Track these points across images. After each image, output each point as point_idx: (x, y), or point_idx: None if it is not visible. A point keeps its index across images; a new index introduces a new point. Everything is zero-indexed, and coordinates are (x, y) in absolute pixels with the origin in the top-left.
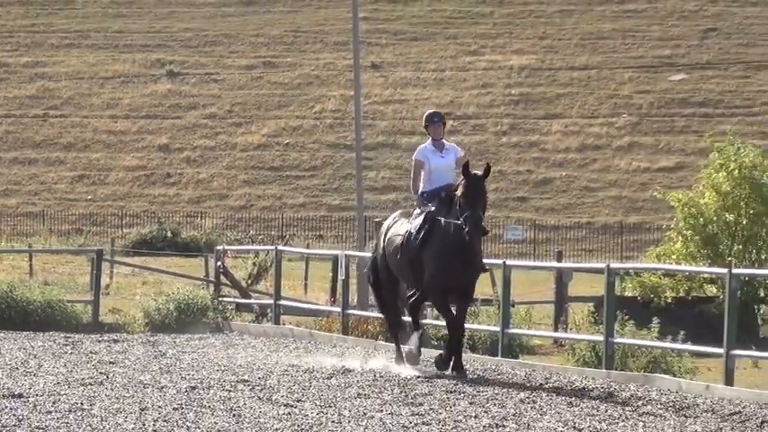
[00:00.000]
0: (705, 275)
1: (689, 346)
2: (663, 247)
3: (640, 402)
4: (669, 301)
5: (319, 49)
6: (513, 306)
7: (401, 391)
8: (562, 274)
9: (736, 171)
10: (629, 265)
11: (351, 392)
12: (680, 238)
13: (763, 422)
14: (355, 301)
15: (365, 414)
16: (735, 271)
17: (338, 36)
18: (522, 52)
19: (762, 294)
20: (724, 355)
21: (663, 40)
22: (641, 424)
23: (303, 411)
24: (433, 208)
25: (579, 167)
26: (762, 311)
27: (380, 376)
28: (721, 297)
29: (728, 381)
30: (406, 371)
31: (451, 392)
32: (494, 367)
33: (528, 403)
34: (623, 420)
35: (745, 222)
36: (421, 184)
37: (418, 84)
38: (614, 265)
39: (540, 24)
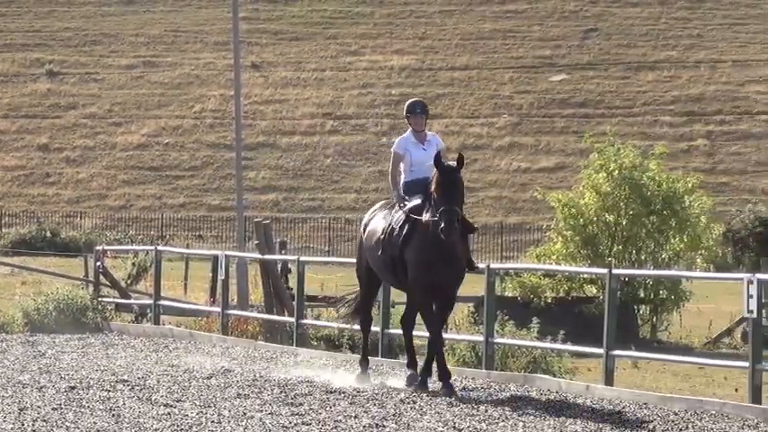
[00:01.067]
0: (585, 276)
1: (569, 347)
2: (543, 247)
3: (520, 403)
4: (549, 301)
5: (199, 48)
6: (393, 306)
7: (281, 392)
8: None
9: (616, 172)
10: (508, 265)
11: (230, 392)
12: (560, 238)
13: (642, 422)
14: (235, 301)
15: (245, 414)
16: (614, 271)
17: (218, 36)
18: (403, 52)
19: (641, 295)
20: (604, 355)
21: (543, 40)
22: (521, 424)
23: (183, 411)
24: (418, 201)
25: None
26: (641, 312)
27: (260, 376)
28: (601, 297)
29: (608, 381)
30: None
31: (331, 393)
32: (374, 367)
33: (408, 403)
34: (503, 420)
35: (624, 223)
36: (402, 177)
37: (298, 84)
38: (494, 265)
39: (421, 25)
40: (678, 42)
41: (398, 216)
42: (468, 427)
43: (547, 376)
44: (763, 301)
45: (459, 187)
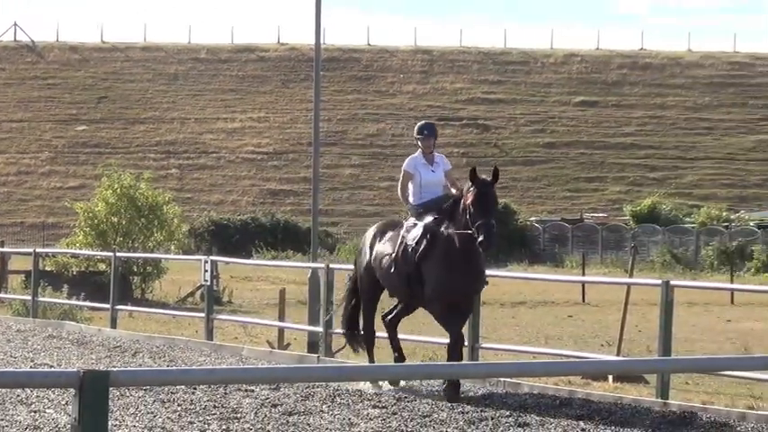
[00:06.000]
0: (99, 257)
1: (87, 303)
2: (71, 238)
3: (54, 339)
4: (75, 273)
5: None
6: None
7: None
8: (4, 255)
9: (119, 189)
10: (52, 250)
11: None
12: (82, 232)
13: (135, 353)
14: None
15: None
16: (118, 254)
17: None
18: None
19: (135, 269)
20: (111, 309)
21: (72, 103)
22: (56, 353)
23: None
24: (431, 219)
25: (16, 186)
26: (135, 280)
27: None
28: (109, 271)
29: (113, 326)
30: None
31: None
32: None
33: (41, 345)
34: (50, 350)
35: (124, 223)
36: (411, 197)
37: None
38: (39, 250)
39: None
40: (160, 105)
41: (414, 233)
42: (30, 358)
43: (73, 322)
44: (213, 273)
45: (495, 201)
